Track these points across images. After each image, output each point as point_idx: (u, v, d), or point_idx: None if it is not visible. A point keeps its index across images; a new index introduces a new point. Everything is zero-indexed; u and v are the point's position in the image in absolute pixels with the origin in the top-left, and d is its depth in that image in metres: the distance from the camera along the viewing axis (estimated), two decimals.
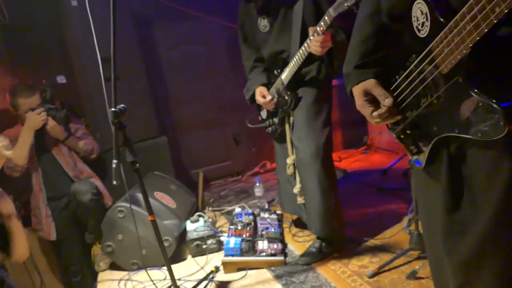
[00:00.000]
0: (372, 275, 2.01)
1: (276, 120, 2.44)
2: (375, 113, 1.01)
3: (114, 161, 1.78)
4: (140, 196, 2.49)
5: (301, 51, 2.08)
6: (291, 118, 2.33)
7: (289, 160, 2.40)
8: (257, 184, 3.13)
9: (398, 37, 0.93)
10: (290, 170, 2.42)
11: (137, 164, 1.82)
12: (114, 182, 1.79)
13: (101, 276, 2.59)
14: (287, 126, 2.38)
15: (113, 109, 1.74)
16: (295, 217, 2.80)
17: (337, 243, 2.33)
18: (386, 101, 0.98)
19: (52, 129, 2.66)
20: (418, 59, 0.87)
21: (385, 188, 3.15)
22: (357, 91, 1.03)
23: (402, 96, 0.97)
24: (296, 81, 2.25)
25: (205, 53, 4.04)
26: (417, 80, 0.89)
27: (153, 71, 3.81)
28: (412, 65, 0.89)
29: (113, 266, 2.62)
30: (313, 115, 2.24)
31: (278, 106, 2.38)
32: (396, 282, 1.93)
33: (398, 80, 0.96)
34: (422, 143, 0.96)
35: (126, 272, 2.51)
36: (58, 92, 2.86)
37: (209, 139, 4.17)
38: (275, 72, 2.34)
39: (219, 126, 4.21)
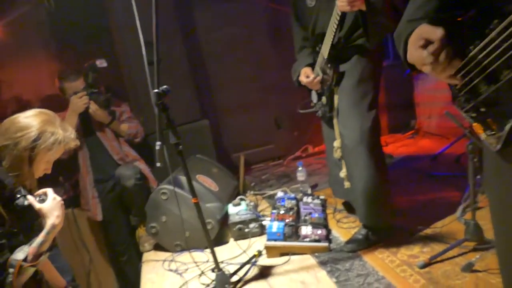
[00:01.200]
0: (423, 266, 1.90)
1: (323, 100, 2.34)
2: (425, 52, 0.87)
3: (158, 143, 1.77)
4: (183, 178, 2.51)
5: (333, 14, 1.93)
6: (336, 97, 2.21)
7: (336, 144, 2.30)
8: (300, 169, 3.06)
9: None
10: (337, 154, 2.32)
11: (180, 146, 1.81)
12: (158, 164, 1.79)
13: (146, 256, 2.64)
14: (334, 106, 2.27)
15: (156, 90, 1.73)
16: (339, 203, 2.71)
17: (384, 231, 2.22)
18: (438, 32, 0.84)
19: (95, 113, 2.70)
20: (503, 25, 0.75)
21: (436, 174, 2.98)
22: (411, 39, 0.90)
23: (478, 69, 0.84)
24: (337, 54, 2.11)
25: (246, 35, 3.97)
26: (499, 50, 0.77)
27: (194, 53, 3.79)
28: (494, 33, 0.77)
29: (157, 247, 2.67)
30: (358, 97, 2.11)
31: (323, 85, 2.27)
32: (450, 274, 1.82)
33: (474, 51, 0.83)
34: (499, 123, 0.84)
35: (169, 253, 2.54)
36: (102, 76, 2.90)
37: (251, 122, 4.12)
38: (317, 48, 2.23)
39: (260, 109, 4.15)
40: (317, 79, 2.25)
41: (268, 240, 2.26)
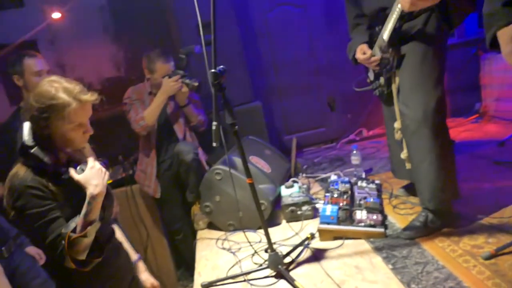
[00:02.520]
0: (489, 257, 1.79)
1: (382, 81, 2.24)
2: None
3: (214, 123, 1.79)
4: (237, 159, 2.53)
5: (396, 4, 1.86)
6: (397, 79, 2.12)
7: (397, 125, 2.21)
8: (354, 152, 2.98)
9: None
10: (398, 135, 2.23)
11: (236, 127, 1.81)
12: (214, 144, 1.81)
13: (200, 234, 2.71)
14: (393, 87, 2.17)
15: (212, 70, 1.73)
16: (396, 188, 2.62)
17: (445, 218, 2.11)
18: None
19: (182, 95, 2.80)
20: None
21: (504, 162, 2.78)
22: (505, 34, 0.83)
23: None
24: (399, 37, 2.02)
25: (301, 15, 3.89)
26: None
27: (248, 34, 3.78)
28: None
29: (211, 226, 2.73)
30: (421, 76, 2.00)
31: (382, 65, 2.17)
32: None
33: None
34: None
35: (223, 232, 2.60)
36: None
37: (303, 105, 4.07)
38: (376, 29, 2.13)
39: (313, 91, 4.08)
40: (375, 59, 2.16)
41: (321, 223, 2.24)
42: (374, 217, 2.21)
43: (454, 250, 1.92)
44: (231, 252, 2.34)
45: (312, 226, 2.41)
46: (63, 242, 1.36)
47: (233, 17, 3.42)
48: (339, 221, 2.22)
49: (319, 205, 2.49)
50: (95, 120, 1.57)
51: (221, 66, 1.76)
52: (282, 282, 1.93)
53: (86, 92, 1.47)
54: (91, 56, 3.94)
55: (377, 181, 2.62)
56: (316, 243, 2.22)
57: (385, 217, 2.33)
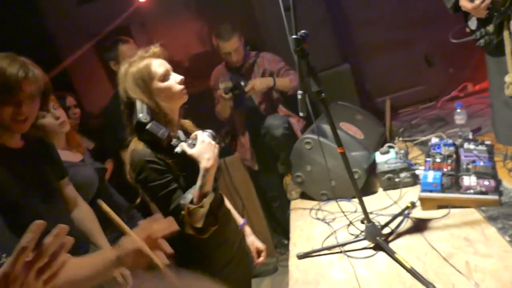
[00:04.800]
0: None
1: (490, 28, 1.93)
2: None
3: (299, 92, 1.71)
4: (326, 127, 2.43)
5: None
6: (511, 23, 1.80)
7: (508, 78, 1.91)
8: (458, 110, 2.67)
9: None
10: (509, 91, 1.93)
11: (323, 94, 1.71)
12: (301, 114, 1.74)
13: (293, 204, 2.71)
14: (505, 34, 1.86)
15: (294, 36, 1.64)
16: (511, 149, 2.30)
17: None
18: None
19: (252, 92, 2.85)
20: None
21: None
22: None
23: None
24: None
25: None
26: None
27: None
28: None
29: (304, 196, 2.70)
30: None
31: (494, 9, 1.86)
32: None
33: None
34: None
35: (316, 202, 2.55)
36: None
37: (396, 63, 3.75)
38: None
39: (407, 47, 3.73)
40: (486, 3, 1.85)
41: (423, 191, 2.06)
42: (486, 182, 1.96)
43: None
44: (326, 223, 2.29)
45: (412, 194, 2.24)
46: (182, 212, 1.47)
47: None
48: (443, 189, 2.02)
49: (419, 172, 2.30)
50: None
51: (303, 31, 1.66)
52: (381, 254, 1.84)
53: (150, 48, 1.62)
54: (178, 35, 4.07)
55: (487, 142, 2.32)
56: (418, 213, 2.06)
57: (499, 182, 2.06)
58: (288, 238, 3.11)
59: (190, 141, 1.57)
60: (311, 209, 2.50)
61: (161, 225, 1.22)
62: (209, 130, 1.69)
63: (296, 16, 1.64)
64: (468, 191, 1.97)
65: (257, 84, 2.80)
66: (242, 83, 2.78)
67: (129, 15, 3.82)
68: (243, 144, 3.04)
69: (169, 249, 1.19)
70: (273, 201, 3.10)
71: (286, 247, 3.34)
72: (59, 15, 3.88)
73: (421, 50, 3.72)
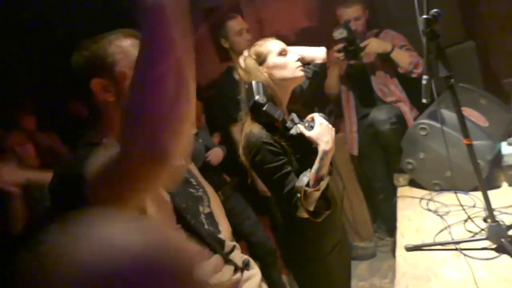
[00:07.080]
0: None
1: None
2: None
3: (425, 76, 1.59)
4: (445, 112, 2.24)
5: None
6: None
7: None
8: None
9: None
10: None
11: (452, 80, 1.57)
12: (424, 100, 1.62)
13: (400, 191, 2.56)
14: None
15: (425, 16, 1.51)
16: None
17: None
18: None
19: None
20: None
21: None
22: None
23: None
24: None
25: None
26: None
27: None
28: None
29: (412, 183, 2.54)
30: None
31: None
32: None
33: None
34: None
35: (427, 192, 2.39)
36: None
37: None
38: None
39: None
40: None
41: None
42: None
43: None
44: (438, 215, 2.14)
45: None
46: (298, 195, 1.47)
47: None
48: None
49: None
50: None
51: (435, 10, 1.52)
52: (505, 257, 1.67)
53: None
54: (285, 8, 4.02)
55: None
56: None
57: None
58: (388, 225, 3.00)
59: (306, 124, 1.56)
60: (422, 198, 2.35)
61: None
62: (321, 114, 1.67)
63: None
64: None
65: (374, 43, 2.65)
66: (358, 40, 2.65)
67: None
68: (348, 125, 2.93)
69: None
70: (377, 193, 2.96)
71: (385, 233, 3.24)
72: None
73: None
